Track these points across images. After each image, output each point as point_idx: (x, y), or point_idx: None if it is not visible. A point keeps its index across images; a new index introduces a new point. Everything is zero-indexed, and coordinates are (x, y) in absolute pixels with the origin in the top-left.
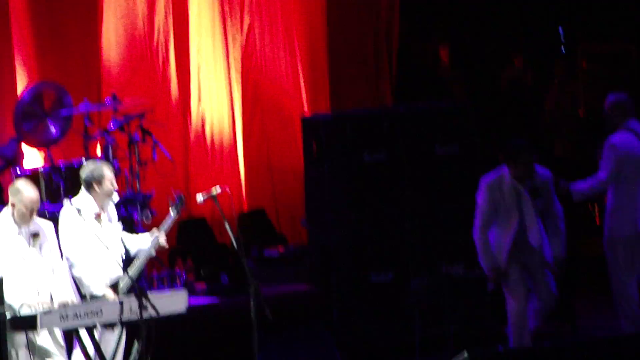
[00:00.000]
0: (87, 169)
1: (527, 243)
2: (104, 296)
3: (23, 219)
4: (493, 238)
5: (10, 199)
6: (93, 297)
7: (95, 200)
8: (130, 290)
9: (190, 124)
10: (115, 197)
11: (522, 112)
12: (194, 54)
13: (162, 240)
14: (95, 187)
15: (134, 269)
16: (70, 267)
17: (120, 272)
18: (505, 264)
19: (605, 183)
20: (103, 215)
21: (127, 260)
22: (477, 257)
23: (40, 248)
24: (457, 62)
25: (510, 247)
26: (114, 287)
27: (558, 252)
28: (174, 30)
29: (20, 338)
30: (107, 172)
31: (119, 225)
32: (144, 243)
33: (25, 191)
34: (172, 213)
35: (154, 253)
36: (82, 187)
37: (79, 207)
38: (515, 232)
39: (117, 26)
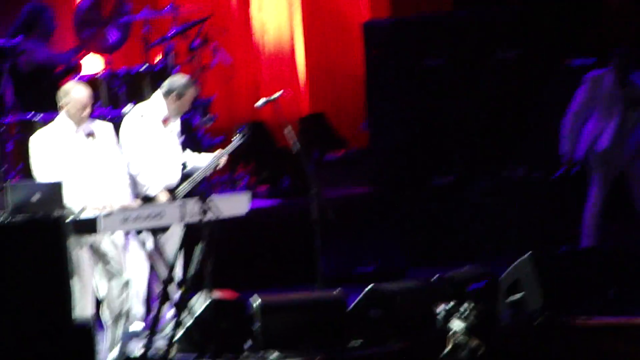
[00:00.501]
0: (177, 79)
1: (622, 148)
2: (156, 197)
3: (77, 120)
4: (590, 128)
5: (61, 101)
6: (146, 197)
7: (167, 107)
8: (188, 195)
9: (251, 31)
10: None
11: (585, 12)
12: None
13: (223, 161)
14: (175, 98)
15: (194, 176)
16: (128, 165)
17: (178, 179)
18: (594, 156)
19: None
20: (170, 124)
21: (184, 176)
22: (538, 160)
23: (97, 149)
24: None
25: (607, 143)
26: (171, 192)
27: None
28: None
29: (82, 240)
30: (191, 92)
31: (181, 137)
32: (203, 161)
33: (73, 91)
34: (235, 140)
35: (209, 173)
36: (160, 92)
37: (145, 111)
38: (612, 131)
39: None
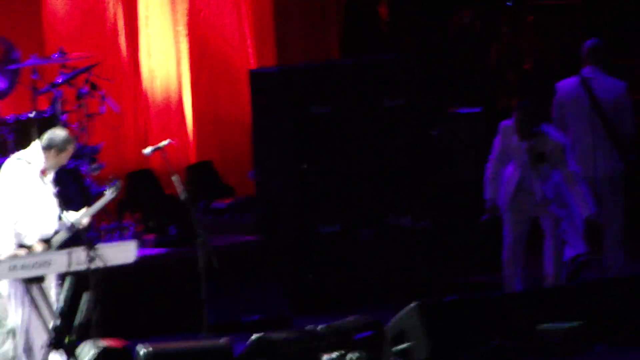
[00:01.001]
0: (58, 134)
1: (528, 197)
2: (32, 247)
3: None
4: (506, 174)
5: None
6: (22, 245)
7: (46, 160)
8: (62, 246)
9: (140, 78)
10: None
11: (470, 60)
12: (142, 9)
13: (85, 221)
14: (55, 153)
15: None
16: (5, 214)
17: (53, 230)
18: (505, 201)
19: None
20: (48, 176)
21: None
22: (424, 209)
23: None
24: (402, 14)
25: (512, 190)
26: (46, 241)
27: (585, 211)
28: None
29: None
30: (71, 149)
31: (54, 189)
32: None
33: None
34: (107, 194)
35: (76, 227)
36: (40, 144)
37: (27, 158)
38: (517, 178)
39: None
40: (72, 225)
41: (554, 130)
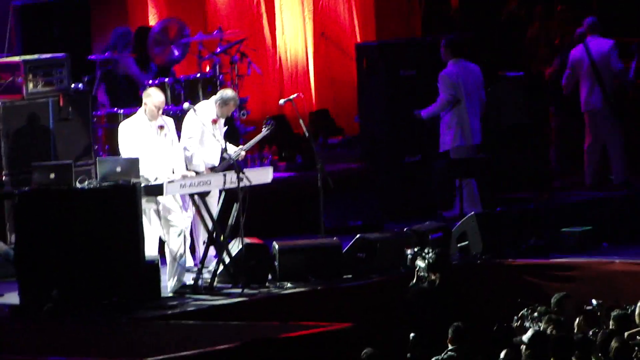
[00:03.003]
0: (226, 92)
1: None
2: (203, 172)
3: (152, 116)
4: None
5: (144, 100)
6: (196, 172)
7: (216, 111)
8: (228, 168)
9: (276, 50)
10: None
11: (515, 37)
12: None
13: (243, 154)
14: (221, 104)
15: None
16: (185, 149)
17: (218, 160)
18: None
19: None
20: (218, 123)
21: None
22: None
23: (165, 137)
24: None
25: None
26: (212, 169)
27: None
28: None
29: (151, 200)
30: (233, 103)
31: (224, 128)
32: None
33: (154, 95)
34: (263, 131)
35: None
36: (213, 98)
37: (196, 108)
38: None
39: None
40: (232, 158)
41: None
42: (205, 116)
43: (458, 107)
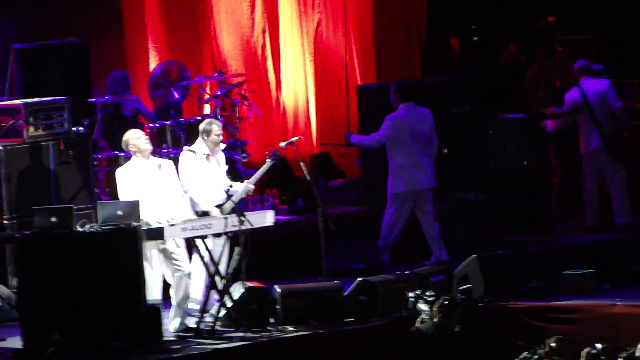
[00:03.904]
0: (202, 123)
1: None
2: (210, 212)
3: (142, 154)
4: None
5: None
6: (203, 212)
7: (206, 145)
8: (231, 211)
9: (280, 91)
10: (222, 146)
11: (514, 80)
12: (282, 42)
13: (251, 188)
14: (205, 136)
15: (234, 198)
16: (186, 191)
17: (223, 198)
18: None
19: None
20: (212, 158)
21: (228, 196)
22: (483, 187)
23: (164, 179)
24: (467, 46)
25: None
26: (218, 207)
27: None
28: (268, 25)
29: (152, 244)
30: (215, 127)
31: (225, 168)
32: (238, 187)
33: (129, 135)
34: (267, 162)
35: (243, 195)
36: (199, 136)
37: (193, 149)
38: None
39: (226, 21)
40: (235, 202)
41: None
42: (199, 154)
43: (406, 151)
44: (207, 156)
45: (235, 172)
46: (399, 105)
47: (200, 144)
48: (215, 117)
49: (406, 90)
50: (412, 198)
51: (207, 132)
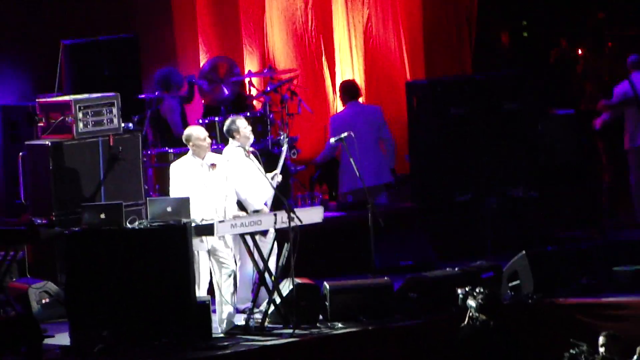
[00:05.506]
0: (226, 124)
1: None
2: (261, 210)
3: (199, 154)
4: None
5: (189, 143)
6: (254, 211)
7: (240, 143)
8: (279, 207)
9: (335, 87)
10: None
11: (565, 78)
12: (336, 38)
13: (279, 178)
14: (236, 135)
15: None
16: (236, 191)
17: (270, 195)
18: None
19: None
20: (251, 155)
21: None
22: (532, 183)
23: (215, 178)
24: (518, 41)
25: None
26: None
27: None
28: (321, 20)
29: (199, 245)
30: (241, 122)
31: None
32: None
33: (195, 132)
34: (283, 149)
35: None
36: (229, 139)
37: (241, 145)
38: None
39: (279, 17)
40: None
41: None
42: (239, 154)
43: (348, 149)
44: (248, 152)
45: (286, 169)
46: (346, 104)
47: (233, 145)
48: (264, 114)
49: (350, 89)
50: (361, 195)
51: (236, 130)
